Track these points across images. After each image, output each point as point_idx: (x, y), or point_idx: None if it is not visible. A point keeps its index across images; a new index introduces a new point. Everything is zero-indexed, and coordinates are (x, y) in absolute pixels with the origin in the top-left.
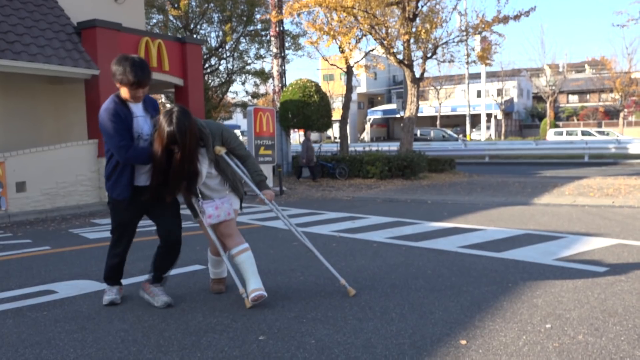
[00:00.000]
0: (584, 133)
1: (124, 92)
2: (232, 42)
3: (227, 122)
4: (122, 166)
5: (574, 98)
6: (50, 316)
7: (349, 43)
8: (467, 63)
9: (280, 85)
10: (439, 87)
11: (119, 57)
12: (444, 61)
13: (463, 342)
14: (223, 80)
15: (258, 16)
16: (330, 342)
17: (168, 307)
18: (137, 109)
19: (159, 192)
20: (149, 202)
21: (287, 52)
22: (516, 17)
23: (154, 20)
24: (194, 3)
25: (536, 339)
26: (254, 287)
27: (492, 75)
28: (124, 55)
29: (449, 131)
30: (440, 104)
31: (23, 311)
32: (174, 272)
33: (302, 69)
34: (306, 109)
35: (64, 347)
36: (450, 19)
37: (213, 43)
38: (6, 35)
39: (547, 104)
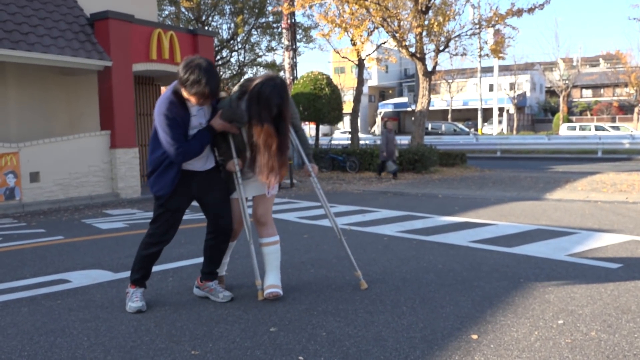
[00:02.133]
0: (597, 128)
1: (188, 98)
2: (243, 34)
3: None
4: (168, 162)
5: (587, 92)
6: (64, 305)
7: (361, 36)
8: (480, 56)
9: (291, 77)
10: (450, 81)
11: (193, 64)
12: (456, 54)
13: (474, 336)
14: (234, 73)
15: (270, 8)
16: (341, 334)
17: (231, 300)
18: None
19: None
20: (198, 188)
21: (298, 44)
22: (530, 10)
23: (166, 12)
24: None
25: (548, 334)
26: (272, 282)
27: (504, 69)
28: (196, 62)
29: (461, 125)
30: (452, 98)
31: (37, 300)
32: (186, 263)
33: (314, 61)
34: (317, 101)
35: (78, 335)
36: (463, 11)
37: (225, 35)
38: (20, 26)
39: (560, 99)
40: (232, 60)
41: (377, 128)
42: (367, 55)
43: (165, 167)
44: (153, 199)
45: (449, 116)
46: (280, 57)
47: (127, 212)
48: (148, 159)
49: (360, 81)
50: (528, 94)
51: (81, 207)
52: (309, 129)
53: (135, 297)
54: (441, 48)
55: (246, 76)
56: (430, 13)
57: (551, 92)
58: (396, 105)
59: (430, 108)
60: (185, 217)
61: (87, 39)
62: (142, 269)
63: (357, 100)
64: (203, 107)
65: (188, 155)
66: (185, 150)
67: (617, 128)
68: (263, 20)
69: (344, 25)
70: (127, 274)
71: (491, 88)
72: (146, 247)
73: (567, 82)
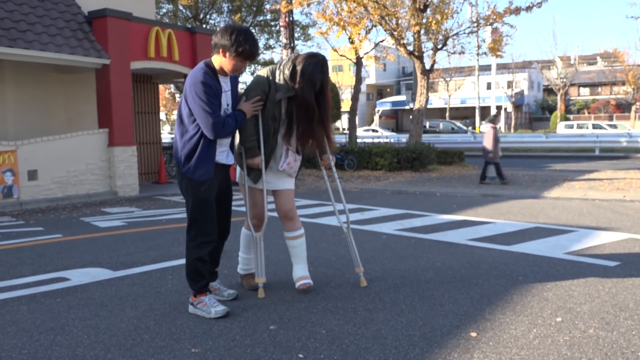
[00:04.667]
0: (595, 126)
1: (228, 64)
2: None
3: None
4: (206, 142)
5: (585, 91)
6: (63, 303)
7: (359, 34)
8: (478, 55)
9: None
10: (448, 79)
11: (234, 27)
12: (454, 53)
13: (473, 334)
14: None
15: (268, 6)
16: (341, 332)
17: (235, 298)
18: (225, 82)
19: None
20: (219, 182)
21: (296, 42)
22: (528, 8)
23: (164, 10)
24: None
25: (547, 332)
26: (301, 274)
27: (502, 67)
28: (237, 26)
29: (458, 123)
30: (449, 96)
31: (37, 298)
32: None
33: None
34: None
35: (78, 333)
36: (461, 9)
37: None
38: (18, 24)
39: (558, 97)
40: None
41: (375, 126)
42: (365, 54)
43: (205, 148)
44: (188, 192)
45: (447, 114)
46: (279, 55)
47: (126, 210)
48: (177, 145)
49: (358, 79)
50: (526, 92)
51: (79, 205)
52: None
53: (214, 303)
54: (439, 46)
55: (243, 74)
56: (428, 11)
57: (549, 91)
58: (394, 103)
59: (428, 106)
60: (182, 215)
61: (85, 36)
62: (200, 277)
63: (355, 98)
64: (227, 92)
65: (224, 129)
66: (222, 123)
67: (615, 126)
68: (261, 18)
69: (342, 23)
70: (126, 272)
71: (489, 86)
72: (196, 251)
73: (564, 80)
